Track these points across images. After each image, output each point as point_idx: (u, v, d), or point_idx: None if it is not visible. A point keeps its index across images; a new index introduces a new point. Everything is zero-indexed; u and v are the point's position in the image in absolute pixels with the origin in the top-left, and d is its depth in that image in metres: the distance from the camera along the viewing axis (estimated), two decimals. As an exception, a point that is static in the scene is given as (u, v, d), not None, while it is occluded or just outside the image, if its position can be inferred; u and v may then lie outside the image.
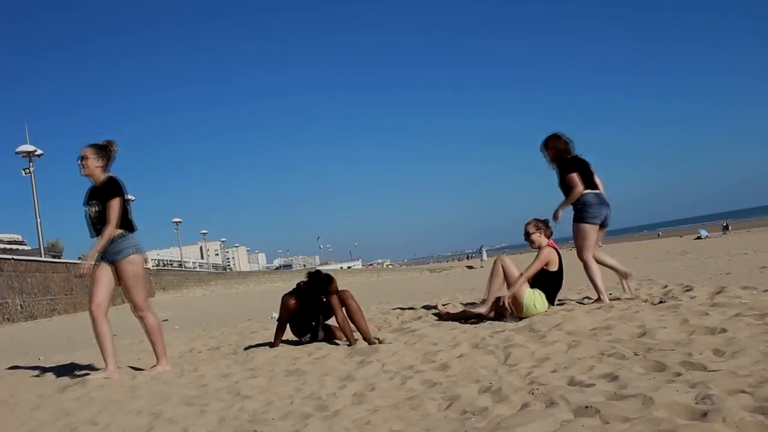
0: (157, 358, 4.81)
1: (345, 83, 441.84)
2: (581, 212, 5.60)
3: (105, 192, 4.66)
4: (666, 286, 6.25)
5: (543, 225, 5.51)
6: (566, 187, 5.67)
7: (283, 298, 5.16)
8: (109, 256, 4.65)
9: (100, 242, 4.58)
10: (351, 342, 4.97)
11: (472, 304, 5.60)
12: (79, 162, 4.73)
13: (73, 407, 3.72)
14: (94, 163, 4.70)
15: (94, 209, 4.67)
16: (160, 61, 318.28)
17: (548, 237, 5.50)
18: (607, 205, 5.70)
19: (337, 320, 5.08)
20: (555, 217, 5.67)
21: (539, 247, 5.43)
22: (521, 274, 5.26)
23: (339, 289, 5.10)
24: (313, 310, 5.22)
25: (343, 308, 5.05)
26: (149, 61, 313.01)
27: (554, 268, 5.33)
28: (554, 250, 5.38)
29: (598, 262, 5.66)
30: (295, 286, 5.21)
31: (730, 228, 39.58)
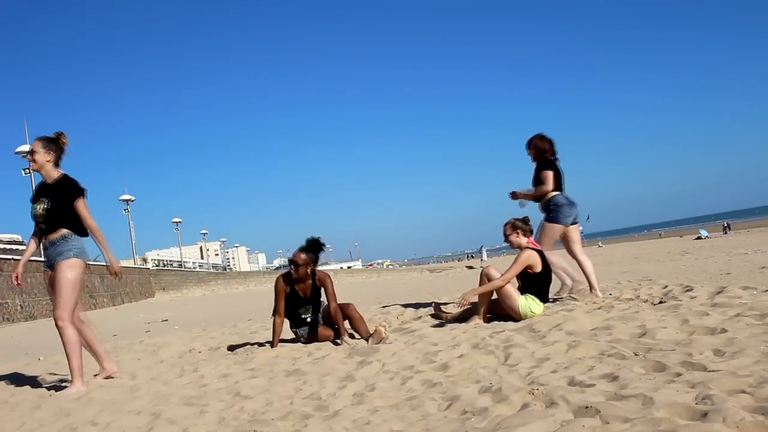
0: (72, 376, 4.35)
1: (344, 83, 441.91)
2: (555, 212, 5.95)
3: (61, 191, 4.38)
4: (666, 286, 6.24)
5: (521, 223, 5.44)
6: (540, 183, 6.03)
7: (276, 279, 5.35)
8: (51, 258, 4.38)
9: (103, 244, 4.43)
10: (341, 331, 5.10)
11: (467, 308, 5.58)
12: (28, 156, 4.48)
13: (73, 407, 3.72)
14: (44, 157, 4.39)
15: (41, 206, 4.35)
16: (161, 61, 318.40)
17: (527, 235, 5.43)
18: (575, 205, 6.11)
19: (329, 309, 5.22)
20: (514, 195, 6.12)
21: (519, 247, 5.40)
22: (506, 270, 5.20)
23: (340, 302, 5.30)
24: (305, 299, 5.29)
25: (346, 320, 5.25)
26: (149, 61, 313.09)
27: (538, 269, 5.26)
28: (535, 251, 5.31)
29: (573, 255, 6.10)
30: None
31: (729, 228, 39.59)
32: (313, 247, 5.28)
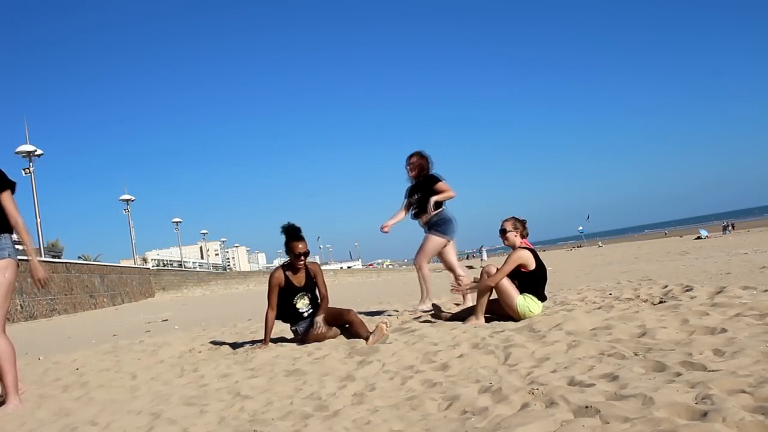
0: (6, 392, 3.85)
1: (344, 83, 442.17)
2: (443, 226, 6.10)
3: None
4: (666, 286, 6.25)
5: (521, 225, 5.47)
6: (429, 196, 6.15)
7: (270, 274, 5.46)
8: None
9: (27, 239, 3.93)
10: (320, 313, 5.26)
11: (466, 309, 5.59)
12: None
13: (73, 407, 3.73)
14: None
15: None
16: (161, 61, 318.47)
17: (524, 237, 5.46)
18: (456, 221, 6.35)
19: (319, 294, 5.41)
20: (430, 208, 6.10)
21: (512, 246, 5.42)
22: (497, 270, 5.23)
23: (342, 307, 5.44)
24: (299, 287, 5.35)
25: (347, 324, 5.33)
26: (149, 60, 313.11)
27: (532, 267, 5.26)
28: (528, 251, 5.32)
29: (451, 268, 6.33)
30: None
31: (733, 228, 39.59)
32: (297, 231, 5.38)
